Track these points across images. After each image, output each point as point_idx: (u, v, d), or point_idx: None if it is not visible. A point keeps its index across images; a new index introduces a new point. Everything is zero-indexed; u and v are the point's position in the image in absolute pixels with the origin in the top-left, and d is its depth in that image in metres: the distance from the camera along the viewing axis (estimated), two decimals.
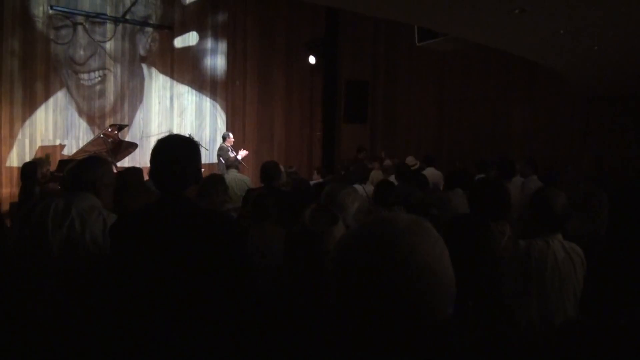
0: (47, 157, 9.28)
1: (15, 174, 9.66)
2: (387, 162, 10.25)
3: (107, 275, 2.42)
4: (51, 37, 10.65)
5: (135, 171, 4.43)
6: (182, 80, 12.44)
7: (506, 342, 1.18)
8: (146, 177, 7.90)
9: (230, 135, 10.66)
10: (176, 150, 2.23)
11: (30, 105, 10.48)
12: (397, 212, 1.12)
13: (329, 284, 1.09)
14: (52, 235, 2.72)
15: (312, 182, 6.61)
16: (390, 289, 1.01)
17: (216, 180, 5.06)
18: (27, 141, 10.44)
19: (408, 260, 1.02)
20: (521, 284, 2.83)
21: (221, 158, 10.11)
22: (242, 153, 10.57)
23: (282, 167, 6.55)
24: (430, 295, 1.03)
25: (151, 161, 2.25)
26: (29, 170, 6.48)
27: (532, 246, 2.86)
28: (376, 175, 8.33)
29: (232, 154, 10.02)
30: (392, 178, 7.04)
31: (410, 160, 9.42)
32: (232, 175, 6.98)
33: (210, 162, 11.95)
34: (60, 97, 10.84)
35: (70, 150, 10.65)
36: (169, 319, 2.07)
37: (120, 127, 10.07)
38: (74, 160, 3.17)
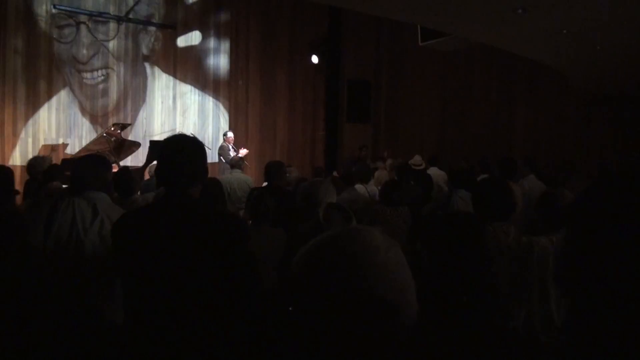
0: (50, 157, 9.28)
1: (19, 173, 9.67)
2: (389, 161, 10.25)
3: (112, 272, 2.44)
4: (54, 36, 10.67)
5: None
6: (185, 80, 12.45)
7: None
8: (147, 176, 7.90)
9: (229, 133, 10.63)
10: (182, 149, 2.25)
11: (34, 104, 10.51)
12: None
13: (294, 290, 1.12)
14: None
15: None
16: (346, 286, 1.05)
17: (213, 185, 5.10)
18: (30, 140, 10.47)
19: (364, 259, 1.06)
20: (523, 279, 2.84)
21: (222, 157, 10.10)
22: (243, 152, 10.55)
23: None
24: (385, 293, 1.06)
25: (157, 159, 2.27)
26: (36, 166, 6.51)
27: (534, 243, 2.87)
28: (381, 174, 8.33)
29: (232, 153, 10.00)
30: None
31: (416, 159, 9.39)
32: (234, 176, 6.93)
33: (213, 161, 11.97)
34: (63, 96, 10.87)
35: (73, 149, 10.67)
36: (173, 316, 2.08)
37: (123, 126, 10.07)
38: (79, 159, 3.19)
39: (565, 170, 8.02)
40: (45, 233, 2.84)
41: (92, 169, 2.96)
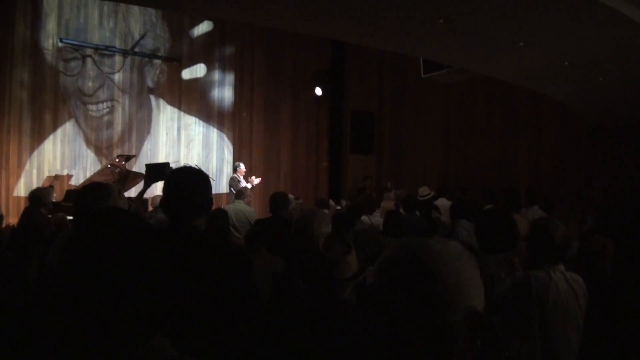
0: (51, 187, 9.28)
1: (23, 204, 9.70)
2: (394, 192, 10.24)
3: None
4: (60, 69, 10.79)
5: None
6: (189, 112, 12.54)
7: None
8: (150, 208, 7.89)
9: (242, 165, 10.71)
10: (187, 180, 2.27)
11: (39, 136, 10.57)
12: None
13: (373, 295, 1.16)
14: None
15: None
16: (420, 300, 1.09)
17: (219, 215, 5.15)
18: (34, 171, 10.51)
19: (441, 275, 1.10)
20: (521, 316, 2.78)
21: (232, 189, 10.14)
22: (255, 181, 10.60)
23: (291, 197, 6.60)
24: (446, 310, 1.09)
25: (163, 190, 2.29)
26: (41, 197, 6.52)
27: (532, 278, 2.82)
28: (387, 205, 8.32)
29: (242, 184, 10.04)
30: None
31: (422, 190, 9.37)
32: (233, 206, 7.01)
33: (217, 192, 11.98)
34: (68, 128, 10.94)
35: (77, 180, 10.69)
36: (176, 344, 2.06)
37: (128, 158, 10.09)
38: (80, 189, 3.14)
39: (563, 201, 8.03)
40: (39, 266, 2.81)
41: (91, 199, 2.92)
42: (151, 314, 1.22)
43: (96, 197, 2.94)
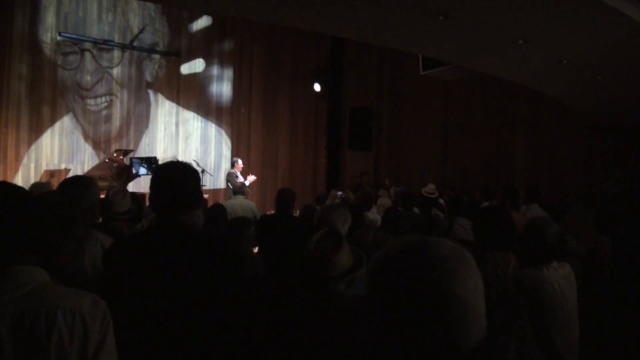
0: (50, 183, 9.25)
1: None
2: (393, 188, 10.24)
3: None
4: (59, 62, 10.76)
5: None
6: (187, 107, 12.53)
7: None
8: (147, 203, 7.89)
9: (239, 161, 10.75)
10: (174, 176, 2.24)
11: (37, 130, 10.55)
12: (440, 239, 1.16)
13: (367, 300, 1.14)
14: None
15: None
16: (422, 315, 1.04)
17: (218, 211, 5.16)
18: (32, 165, 10.49)
19: (443, 289, 1.04)
20: (514, 316, 2.79)
21: (229, 184, 10.17)
22: (250, 178, 10.62)
23: None
24: (458, 326, 1.05)
25: (151, 186, 2.27)
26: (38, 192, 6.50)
27: (524, 277, 2.82)
28: (384, 202, 8.31)
29: (239, 180, 10.06)
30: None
31: (430, 188, 9.35)
32: (238, 201, 7.03)
33: (215, 187, 11.98)
34: (66, 122, 10.92)
35: (75, 174, 10.67)
36: (164, 345, 2.06)
37: (126, 152, 10.10)
38: (62, 182, 3.09)
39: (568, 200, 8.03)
40: None
41: (70, 193, 2.88)
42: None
43: (75, 190, 2.91)
